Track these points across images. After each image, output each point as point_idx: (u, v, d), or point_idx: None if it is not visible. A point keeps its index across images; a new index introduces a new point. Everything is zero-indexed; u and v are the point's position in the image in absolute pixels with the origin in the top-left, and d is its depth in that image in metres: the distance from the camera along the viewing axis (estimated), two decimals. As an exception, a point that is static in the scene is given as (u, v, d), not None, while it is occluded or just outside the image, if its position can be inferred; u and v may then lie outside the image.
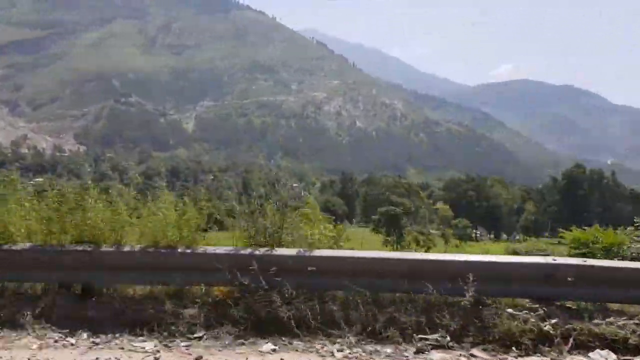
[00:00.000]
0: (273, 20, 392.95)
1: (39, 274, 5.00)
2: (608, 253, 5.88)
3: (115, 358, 3.87)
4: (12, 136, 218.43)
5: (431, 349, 4.06)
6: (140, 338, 4.27)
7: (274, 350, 4.09)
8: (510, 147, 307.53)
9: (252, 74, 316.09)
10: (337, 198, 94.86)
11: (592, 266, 4.55)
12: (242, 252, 4.80)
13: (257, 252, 4.73)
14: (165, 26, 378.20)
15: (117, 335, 4.30)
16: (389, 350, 4.04)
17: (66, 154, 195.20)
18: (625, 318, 4.32)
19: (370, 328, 4.25)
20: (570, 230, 6.61)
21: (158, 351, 4.00)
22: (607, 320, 4.26)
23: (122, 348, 4.07)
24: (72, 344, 4.12)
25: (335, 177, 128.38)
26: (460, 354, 3.97)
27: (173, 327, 4.35)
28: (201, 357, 3.92)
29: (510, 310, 4.30)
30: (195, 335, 4.33)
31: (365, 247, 15.11)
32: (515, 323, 4.14)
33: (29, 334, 4.32)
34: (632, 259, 5.58)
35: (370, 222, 62.78)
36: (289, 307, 4.34)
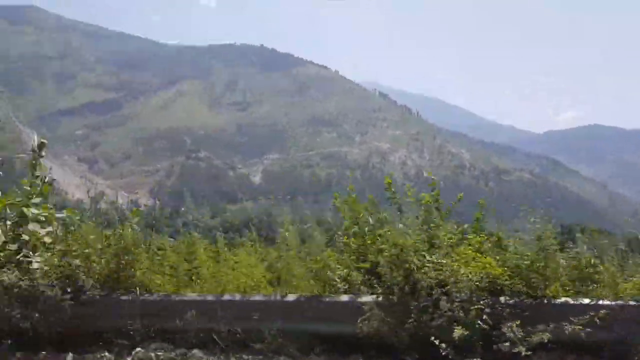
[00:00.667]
0: (335, 73, 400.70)
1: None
2: None
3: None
4: (91, 192, 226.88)
5: None
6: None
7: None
8: (583, 195, 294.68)
9: (315, 127, 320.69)
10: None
11: None
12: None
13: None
14: (230, 84, 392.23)
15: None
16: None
17: (142, 208, 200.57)
18: None
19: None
20: None
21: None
22: None
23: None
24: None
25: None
26: None
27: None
28: None
29: None
30: None
31: None
32: None
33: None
34: None
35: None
36: None
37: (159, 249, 5.36)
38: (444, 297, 4.20)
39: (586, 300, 4.42)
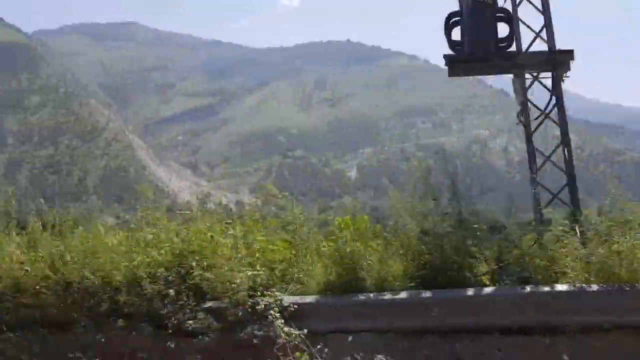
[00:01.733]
0: (425, 62, 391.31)
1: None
2: None
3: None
4: (198, 194, 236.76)
5: None
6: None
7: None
8: None
9: (408, 118, 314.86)
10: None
11: None
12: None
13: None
14: (319, 82, 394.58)
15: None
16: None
17: (247, 208, 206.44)
18: None
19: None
20: None
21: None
22: None
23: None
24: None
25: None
26: None
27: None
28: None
29: None
30: None
31: None
32: None
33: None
34: None
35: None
36: None
37: None
38: None
39: None
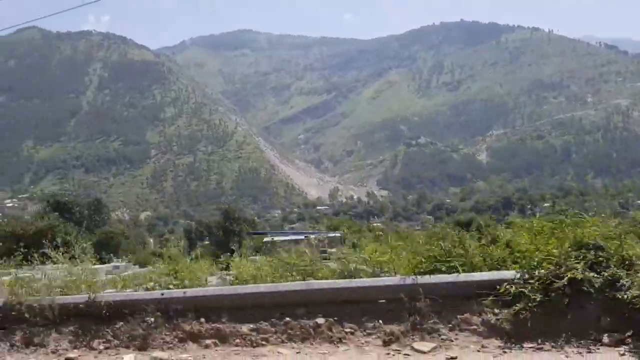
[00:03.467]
0: (549, 33, 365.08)
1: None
2: None
3: None
4: (325, 190, 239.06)
5: None
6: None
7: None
8: None
9: (537, 94, 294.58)
10: None
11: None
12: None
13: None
14: (436, 66, 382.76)
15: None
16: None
17: (378, 200, 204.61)
18: None
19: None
20: None
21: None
22: None
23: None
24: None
25: None
26: None
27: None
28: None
29: None
30: None
31: None
32: None
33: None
34: None
35: None
36: None
37: None
38: None
39: None
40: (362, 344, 4.50)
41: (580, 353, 3.92)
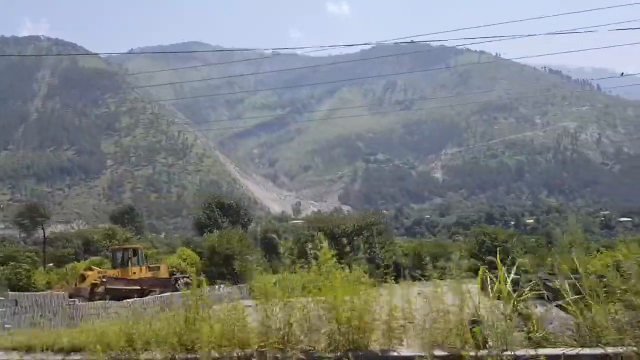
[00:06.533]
0: (496, 57, 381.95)
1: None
2: None
3: None
4: (286, 205, 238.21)
5: None
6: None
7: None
8: None
9: (488, 114, 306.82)
10: None
11: None
12: None
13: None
14: (389, 85, 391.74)
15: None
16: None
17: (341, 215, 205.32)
18: None
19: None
20: None
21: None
22: None
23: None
24: None
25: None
26: None
27: None
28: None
29: None
30: None
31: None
32: None
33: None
34: None
35: None
36: None
37: None
38: None
39: None
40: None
41: None
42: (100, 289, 26.38)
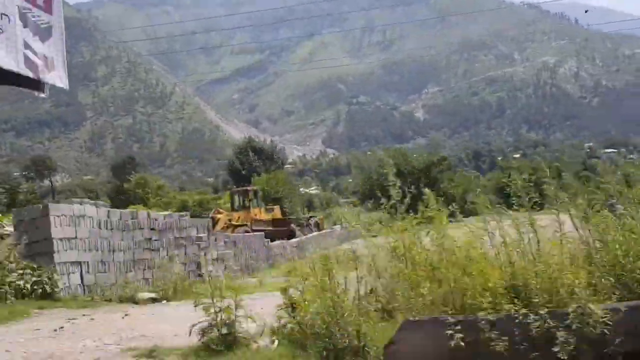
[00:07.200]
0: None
1: None
2: None
3: None
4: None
5: None
6: None
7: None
8: None
9: (468, 52, 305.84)
10: None
11: None
12: None
13: None
14: (368, 26, 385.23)
15: None
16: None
17: (327, 159, 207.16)
18: None
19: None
20: None
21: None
22: None
23: None
24: None
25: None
26: None
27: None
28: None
29: None
30: None
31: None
32: None
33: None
34: None
35: None
36: None
37: None
38: None
39: None
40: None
41: None
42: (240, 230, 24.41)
